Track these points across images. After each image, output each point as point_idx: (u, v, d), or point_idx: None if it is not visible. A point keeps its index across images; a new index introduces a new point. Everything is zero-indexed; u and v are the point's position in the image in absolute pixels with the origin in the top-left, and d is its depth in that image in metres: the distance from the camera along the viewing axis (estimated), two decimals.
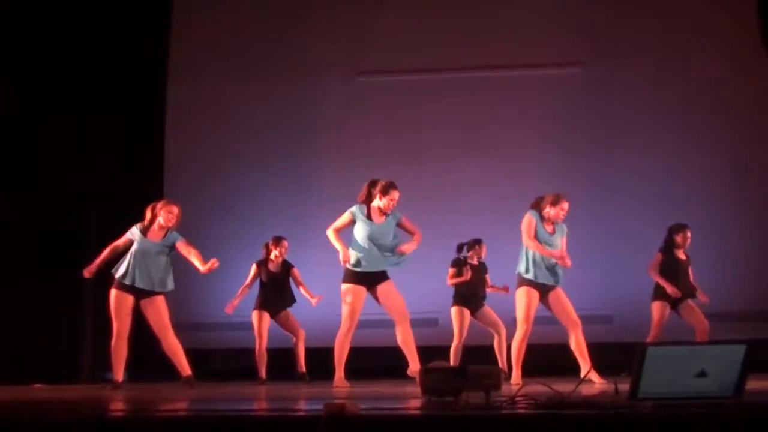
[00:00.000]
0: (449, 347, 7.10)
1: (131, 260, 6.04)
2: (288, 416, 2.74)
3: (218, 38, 9.35)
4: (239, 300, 7.33)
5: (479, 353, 7.17)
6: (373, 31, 9.28)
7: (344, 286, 5.85)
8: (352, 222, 5.87)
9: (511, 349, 5.94)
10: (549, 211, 5.89)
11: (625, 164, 8.70)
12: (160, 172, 9.09)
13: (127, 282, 6.02)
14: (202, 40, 9.34)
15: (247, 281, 7.38)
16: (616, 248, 8.16)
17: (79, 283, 8.21)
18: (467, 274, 7.13)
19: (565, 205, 5.89)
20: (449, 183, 8.71)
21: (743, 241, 8.38)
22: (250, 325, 7.38)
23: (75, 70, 8.42)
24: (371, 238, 5.77)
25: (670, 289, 6.64)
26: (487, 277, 7.28)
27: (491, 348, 7.17)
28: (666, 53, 8.91)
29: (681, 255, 6.85)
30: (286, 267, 7.43)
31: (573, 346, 5.90)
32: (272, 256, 7.37)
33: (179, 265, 6.32)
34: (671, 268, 6.78)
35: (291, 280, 7.45)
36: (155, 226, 6.12)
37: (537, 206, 5.98)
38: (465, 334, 7.15)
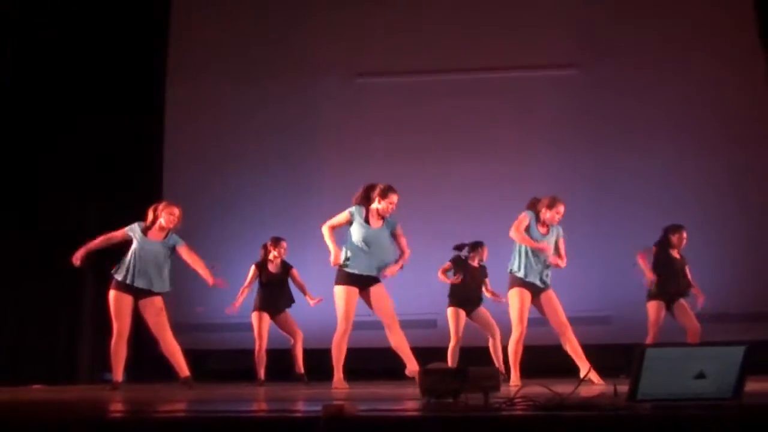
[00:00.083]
0: (447, 348, 7.10)
1: (131, 260, 6.04)
2: (287, 417, 2.74)
3: (218, 39, 9.36)
4: (240, 301, 7.33)
5: (477, 354, 7.18)
6: (372, 32, 9.29)
7: (337, 288, 5.86)
8: (349, 222, 5.87)
9: (508, 351, 5.94)
10: (545, 213, 5.89)
11: (624, 165, 8.71)
12: (160, 173, 9.10)
13: (126, 281, 6.01)
14: (201, 40, 9.35)
15: (247, 282, 7.38)
16: (614, 249, 8.15)
17: (78, 284, 8.25)
18: (458, 278, 7.14)
19: (561, 209, 5.89)
20: (448, 184, 8.72)
21: (742, 242, 8.39)
22: (248, 326, 7.38)
23: (74, 71, 8.42)
24: (365, 242, 5.77)
25: (648, 274, 6.70)
26: (487, 281, 7.27)
27: (489, 349, 7.18)
28: (665, 54, 8.92)
29: (675, 254, 6.87)
30: (286, 268, 7.43)
31: (567, 348, 5.91)
32: (271, 257, 7.37)
33: (178, 266, 6.32)
34: (664, 266, 6.81)
35: (290, 280, 7.45)
36: (156, 226, 6.14)
37: (533, 207, 5.98)
38: (461, 334, 7.16)
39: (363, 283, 5.82)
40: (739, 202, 8.56)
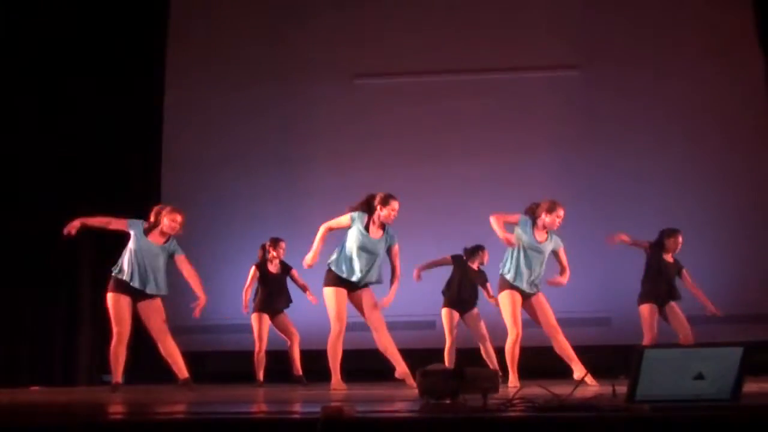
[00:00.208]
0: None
1: (131, 260, 6.01)
2: (286, 419, 2.74)
3: (216, 41, 9.36)
4: (247, 302, 7.32)
5: (476, 355, 7.18)
6: (370, 33, 9.29)
7: (326, 290, 5.86)
8: (348, 227, 5.85)
9: (506, 353, 5.93)
10: (545, 218, 5.86)
11: (624, 166, 8.71)
12: (158, 175, 9.09)
13: (124, 278, 5.98)
14: (199, 43, 9.35)
15: (248, 283, 7.37)
16: (614, 251, 8.14)
17: (75, 285, 8.24)
18: (446, 262, 7.25)
19: (561, 212, 5.87)
20: (447, 185, 8.71)
21: (740, 243, 8.39)
22: (246, 328, 7.38)
23: (74, 71, 8.42)
24: (360, 249, 5.76)
25: (626, 237, 6.74)
26: (489, 285, 7.27)
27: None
28: (664, 56, 8.93)
29: (668, 258, 6.83)
30: (286, 268, 7.44)
31: (558, 351, 5.92)
32: (269, 257, 7.36)
33: (177, 267, 6.30)
34: (656, 270, 6.77)
35: (288, 281, 7.45)
36: (157, 230, 6.07)
37: (532, 212, 5.95)
38: (455, 335, 7.18)
39: (351, 285, 5.83)
40: (738, 202, 8.57)
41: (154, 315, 6.09)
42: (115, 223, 6.14)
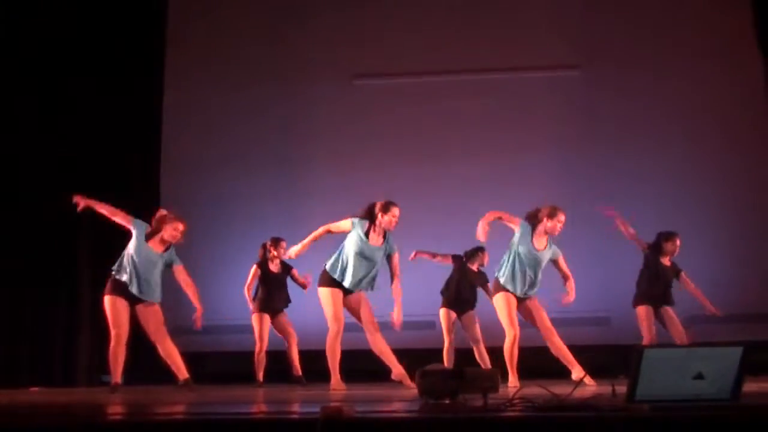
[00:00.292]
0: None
1: (130, 265, 5.99)
2: (285, 419, 2.74)
3: (215, 42, 9.36)
4: (251, 300, 7.31)
5: (475, 356, 7.19)
6: (370, 33, 9.29)
7: (321, 290, 5.86)
8: (349, 232, 5.83)
9: (504, 354, 5.93)
10: (546, 223, 5.84)
11: (624, 167, 8.71)
12: (157, 175, 9.08)
13: (124, 280, 5.97)
14: (199, 43, 9.35)
15: (249, 281, 7.36)
16: (613, 250, 8.15)
17: (75, 285, 8.24)
18: (446, 261, 7.31)
19: (562, 218, 5.85)
20: (447, 186, 8.71)
21: (740, 243, 8.39)
22: (245, 328, 7.38)
23: (74, 71, 8.42)
24: (359, 255, 5.75)
25: (624, 224, 6.69)
26: (489, 286, 7.27)
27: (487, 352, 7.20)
28: (664, 56, 8.93)
29: (666, 262, 6.81)
30: (286, 268, 7.45)
31: (554, 353, 5.92)
32: (270, 256, 7.36)
33: (173, 277, 6.30)
34: (654, 273, 6.75)
35: (288, 281, 7.45)
36: (158, 237, 6.04)
37: (533, 218, 5.93)
38: (453, 334, 7.19)
39: (345, 288, 5.83)
40: (737, 203, 8.57)
41: (152, 318, 6.09)
42: (120, 217, 6.09)
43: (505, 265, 5.96)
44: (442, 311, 7.24)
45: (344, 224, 5.85)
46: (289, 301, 7.43)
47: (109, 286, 6.05)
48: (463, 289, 7.25)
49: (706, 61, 8.82)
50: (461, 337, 7.31)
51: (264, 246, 7.44)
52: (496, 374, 3.26)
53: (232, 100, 9.23)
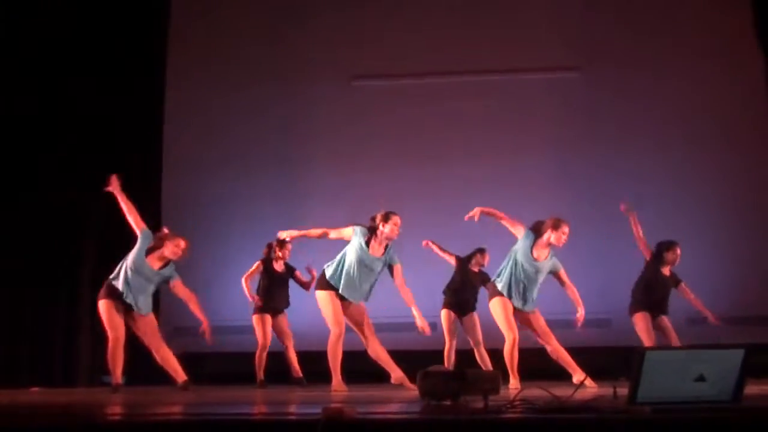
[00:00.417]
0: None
1: (125, 277, 6.01)
2: (286, 420, 2.73)
3: (216, 42, 9.35)
4: (250, 292, 7.28)
5: (476, 358, 7.19)
6: (370, 35, 9.28)
7: (319, 293, 5.85)
8: (350, 239, 5.81)
9: (504, 357, 5.92)
10: (550, 235, 5.82)
11: (624, 168, 8.70)
12: (158, 176, 9.08)
13: (120, 289, 6.00)
14: (199, 43, 9.34)
15: (248, 273, 7.34)
16: (613, 252, 8.15)
17: (75, 285, 8.23)
18: (451, 258, 7.37)
19: (566, 229, 5.83)
20: (448, 187, 8.70)
21: (741, 245, 8.38)
22: (245, 329, 7.38)
23: (74, 71, 8.41)
24: (358, 264, 5.73)
25: (637, 225, 6.68)
26: (490, 285, 7.27)
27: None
28: (664, 57, 8.92)
29: (666, 271, 6.79)
30: (290, 269, 7.46)
31: (554, 357, 5.91)
32: (275, 256, 7.36)
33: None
34: (653, 282, 6.73)
35: (290, 283, 7.45)
36: (158, 253, 6.06)
37: (537, 230, 5.91)
38: (455, 336, 7.19)
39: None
40: (737, 203, 8.56)
41: (147, 327, 6.16)
42: (134, 220, 6.12)
43: (504, 271, 5.95)
44: (444, 312, 7.25)
45: (346, 231, 5.83)
46: (289, 304, 7.43)
47: (104, 290, 6.12)
48: (465, 290, 7.27)
49: (706, 61, 8.81)
50: (462, 339, 7.32)
51: (269, 246, 7.44)
52: (497, 376, 3.26)
53: (233, 101, 9.22)
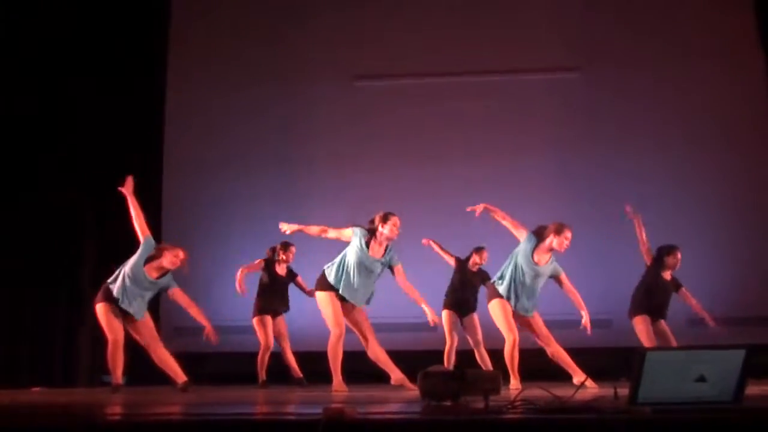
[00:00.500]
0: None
1: (122, 283, 6.04)
2: (287, 420, 2.73)
3: (216, 42, 9.36)
4: (242, 277, 7.23)
5: (476, 358, 7.19)
6: (371, 35, 9.29)
7: (320, 294, 5.83)
8: (350, 240, 5.79)
9: (505, 357, 5.92)
10: (552, 240, 5.81)
11: (624, 168, 8.70)
12: (159, 176, 9.08)
13: (115, 294, 6.03)
14: (200, 44, 9.34)
15: (249, 265, 7.33)
16: (614, 252, 8.15)
17: (75, 285, 8.23)
18: (451, 259, 7.39)
19: (569, 234, 5.82)
20: (448, 187, 8.70)
21: (741, 245, 8.38)
22: (245, 329, 7.38)
23: (74, 71, 8.42)
24: (358, 265, 5.71)
25: (641, 228, 6.67)
26: (490, 283, 7.26)
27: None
28: (664, 57, 8.92)
29: (667, 276, 6.78)
30: (292, 274, 7.45)
31: (554, 359, 5.91)
32: (278, 259, 7.35)
33: (170, 299, 6.31)
34: (654, 287, 6.72)
35: (291, 287, 7.45)
36: (156, 263, 6.08)
37: (539, 234, 5.90)
38: (456, 337, 7.20)
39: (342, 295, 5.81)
40: (737, 203, 8.56)
41: (144, 329, 6.18)
42: (141, 225, 6.14)
43: (505, 274, 5.94)
44: (445, 313, 7.26)
45: (345, 232, 5.81)
46: (288, 309, 7.43)
47: (101, 294, 6.15)
48: (465, 291, 7.29)
49: (706, 61, 8.81)
50: (462, 339, 7.32)
51: (273, 248, 7.43)
52: (497, 376, 3.26)
53: (233, 101, 9.22)
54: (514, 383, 5.81)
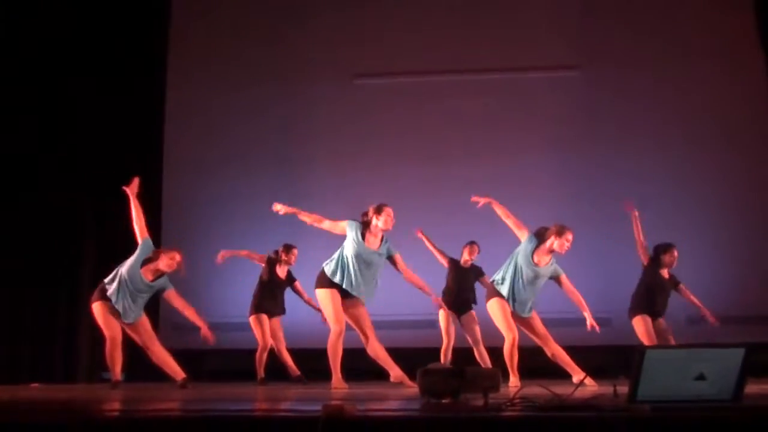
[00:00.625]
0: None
1: (120, 285, 6.05)
2: (287, 417, 2.73)
3: (216, 42, 9.36)
4: (231, 254, 7.32)
5: (474, 355, 7.19)
6: (371, 33, 9.29)
7: (319, 291, 5.82)
8: (344, 233, 5.80)
9: (504, 356, 5.92)
10: (553, 241, 5.80)
11: (624, 167, 8.71)
12: (159, 176, 9.08)
13: (109, 295, 6.06)
14: (200, 43, 9.35)
15: (252, 252, 7.36)
16: (614, 251, 8.15)
17: (75, 285, 8.24)
18: (443, 259, 7.38)
19: (570, 236, 5.80)
20: (448, 185, 8.70)
21: (741, 244, 8.38)
22: (244, 326, 7.39)
23: (74, 71, 8.42)
24: (357, 258, 5.70)
25: (638, 224, 6.67)
26: (485, 278, 7.26)
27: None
28: (665, 57, 8.93)
29: (665, 274, 6.78)
30: (291, 278, 7.46)
31: (553, 358, 5.91)
32: (281, 260, 7.36)
33: (166, 301, 6.32)
34: (653, 285, 6.71)
35: (289, 291, 7.46)
36: (152, 266, 6.09)
37: (541, 236, 5.89)
38: (453, 335, 7.21)
39: (343, 291, 5.80)
40: (737, 203, 8.56)
41: (140, 329, 6.21)
42: (141, 226, 6.18)
43: (507, 275, 5.92)
44: (442, 312, 7.26)
45: (340, 225, 5.81)
46: (284, 312, 7.43)
47: (97, 293, 6.18)
48: (461, 289, 7.28)
49: (707, 61, 8.82)
50: (459, 337, 7.31)
51: (276, 251, 7.44)
52: (497, 374, 3.26)
53: (233, 100, 9.23)
54: (514, 381, 5.81)
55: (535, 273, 5.85)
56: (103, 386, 6.52)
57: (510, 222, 5.97)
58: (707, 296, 6.93)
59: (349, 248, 5.74)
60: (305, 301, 7.38)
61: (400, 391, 5.02)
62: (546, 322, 6.06)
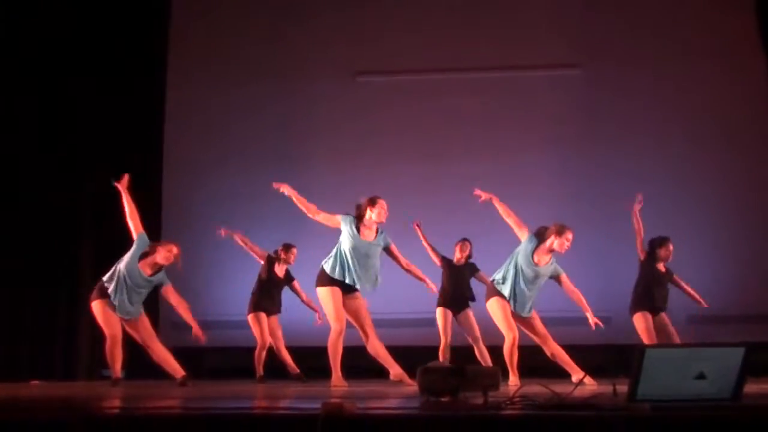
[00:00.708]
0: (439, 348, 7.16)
1: (119, 282, 6.05)
2: (286, 415, 2.73)
3: (216, 40, 9.36)
4: (229, 233, 7.39)
5: (473, 353, 7.18)
6: (372, 31, 9.29)
7: (320, 290, 5.82)
8: (338, 227, 5.80)
9: (504, 355, 5.92)
10: (553, 241, 5.80)
11: (624, 166, 8.70)
12: (159, 175, 9.08)
13: (109, 292, 6.06)
14: (200, 42, 9.35)
15: (254, 245, 7.35)
16: (613, 250, 8.15)
17: (75, 285, 8.24)
18: (435, 257, 7.36)
19: (570, 236, 5.80)
20: (448, 184, 8.70)
21: (741, 243, 8.39)
22: (244, 324, 7.40)
23: (74, 71, 8.42)
24: (354, 251, 5.71)
25: (639, 220, 6.67)
26: (481, 273, 7.25)
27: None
28: (665, 56, 8.93)
29: (662, 268, 6.78)
30: (289, 277, 7.46)
31: (552, 358, 5.91)
32: (280, 258, 7.36)
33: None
34: (652, 280, 6.72)
35: (286, 290, 7.46)
36: (150, 259, 6.09)
37: (541, 235, 5.88)
38: (450, 333, 7.21)
39: (343, 287, 5.79)
40: (737, 203, 8.56)
41: (140, 326, 6.21)
42: (135, 222, 6.18)
43: (507, 275, 5.91)
44: (438, 310, 7.26)
45: (334, 219, 5.84)
46: (279, 311, 7.45)
47: (96, 291, 6.18)
48: (456, 288, 7.28)
49: (707, 60, 8.82)
50: (458, 335, 7.30)
51: (276, 250, 7.44)
52: (497, 372, 3.26)
53: (233, 99, 9.23)
54: (513, 380, 5.81)
55: (535, 273, 5.85)
56: (104, 383, 6.52)
57: (511, 221, 5.97)
58: (707, 296, 6.93)
59: (345, 242, 5.76)
60: (303, 301, 7.40)
61: (400, 389, 5.02)
62: (546, 321, 6.06)
